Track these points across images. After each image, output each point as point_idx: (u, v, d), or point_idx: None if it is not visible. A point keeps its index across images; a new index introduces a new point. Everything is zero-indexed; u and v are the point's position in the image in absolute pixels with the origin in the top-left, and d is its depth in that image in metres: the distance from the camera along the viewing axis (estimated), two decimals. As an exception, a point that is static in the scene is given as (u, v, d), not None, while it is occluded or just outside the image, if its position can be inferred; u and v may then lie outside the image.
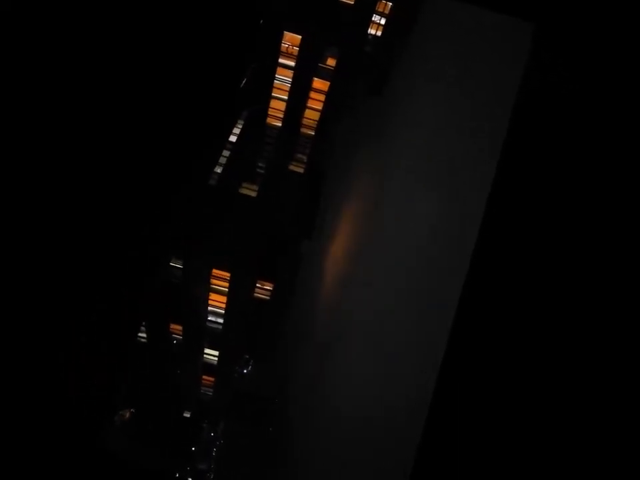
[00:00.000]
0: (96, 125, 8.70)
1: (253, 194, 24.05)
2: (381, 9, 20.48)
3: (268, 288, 24.83)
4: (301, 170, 24.69)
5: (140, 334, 25.62)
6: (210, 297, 24.38)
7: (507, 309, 4.91)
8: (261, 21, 20.90)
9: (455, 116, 8.11)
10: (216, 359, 27.66)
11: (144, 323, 24.57)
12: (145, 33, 10.56)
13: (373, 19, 20.70)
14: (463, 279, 5.18)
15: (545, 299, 4.72)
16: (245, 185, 24.37)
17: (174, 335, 26.23)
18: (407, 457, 5.29)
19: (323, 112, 23.37)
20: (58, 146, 7.85)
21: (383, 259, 10.18)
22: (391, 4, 19.96)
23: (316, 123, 23.96)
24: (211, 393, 30.42)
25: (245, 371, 28.05)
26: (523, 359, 4.76)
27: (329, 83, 22.18)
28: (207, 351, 27.51)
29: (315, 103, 23.11)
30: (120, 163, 9.82)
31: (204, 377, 29.39)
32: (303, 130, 24.46)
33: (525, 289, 4.77)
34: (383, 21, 20.58)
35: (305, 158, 24.87)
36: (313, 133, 24.43)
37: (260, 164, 24.79)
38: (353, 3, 20.34)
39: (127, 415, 27.14)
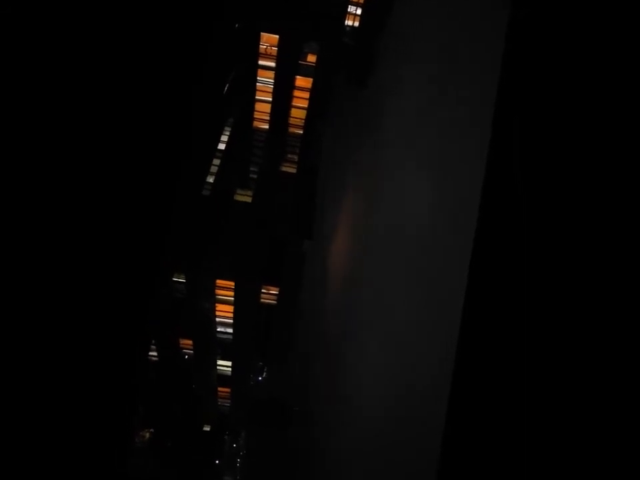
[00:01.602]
0: (81, 140, 8.50)
1: (249, 199, 23.87)
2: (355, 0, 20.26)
3: (274, 292, 24.65)
4: (293, 170, 24.49)
5: (151, 353, 25.43)
6: (217, 308, 24.21)
7: (515, 289, 4.70)
8: (237, 25, 20.69)
9: (442, 96, 7.87)
10: (230, 369, 27.50)
11: (154, 342, 24.37)
12: (124, 45, 10.38)
13: (348, 10, 20.47)
14: (467, 261, 4.99)
15: (556, 277, 4.52)
16: (239, 191, 24.20)
17: (185, 350, 26.06)
18: (433, 450, 5.11)
19: (309, 109, 23.15)
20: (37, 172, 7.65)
21: (385, 251, 9.99)
22: (365, -7, 19.72)
23: (303, 121, 23.73)
24: (228, 404, 30.26)
25: (260, 378, 27.88)
26: (539, 339, 4.54)
27: (311, 80, 21.95)
28: (220, 362, 27.35)
29: (300, 101, 22.88)
30: (107, 179, 9.62)
31: (220, 388, 29.24)
32: (291, 129, 24.24)
33: (534, 267, 4.56)
34: (359, 11, 20.34)
35: (295, 157, 24.66)
36: (302, 132, 24.21)
37: (252, 168, 24.59)
38: (326, -4, 20.13)
39: (147, 435, 26.97)
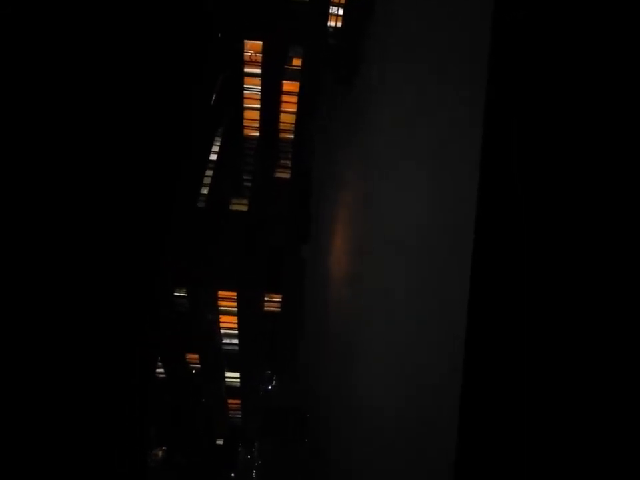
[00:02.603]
0: (80, 145, 8.39)
1: (245, 208, 23.74)
2: (336, 0, 20.17)
3: (277, 299, 24.48)
4: (287, 175, 24.37)
5: (158, 370, 25.23)
6: (221, 320, 24.03)
7: (519, 281, 4.60)
8: (219, 35, 20.63)
9: (430, 87, 7.74)
10: (238, 380, 27.28)
11: (159, 359, 24.17)
12: (113, 62, 10.31)
13: (330, 11, 20.39)
14: (468, 254, 4.90)
15: (561, 270, 4.41)
16: (234, 200, 24.07)
17: (192, 365, 25.85)
18: (449, 450, 4.96)
19: (298, 113, 23.05)
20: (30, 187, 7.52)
21: (384, 249, 9.86)
22: (345, -7, 19.65)
23: (293, 125, 23.64)
24: (240, 416, 30.03)
25: (270, 387, 27.65)
26: (546, 333, 4.42)
27: (298, 84, 21.86)
28: (228, 374, 27.14)
29: (289, 105, 22.79)
30: (103, 186, 9.52)
31: (230, 400, 29.01)
32: (282, 135, 24.15)
33: (537, 258, 4.44)
34: (340, 12, 20.26)
35: (288, 162, 24.55)
36: (292, 136, 24.11)
37: (245, 177, 24.47)
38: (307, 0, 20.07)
39: (160, 454, 26.71)
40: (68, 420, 8.77)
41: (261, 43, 20.71)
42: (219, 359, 25.48)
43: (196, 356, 25.39)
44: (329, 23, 20.56)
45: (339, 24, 20.56)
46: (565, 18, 4.29)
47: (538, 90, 4.45)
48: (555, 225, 4.39)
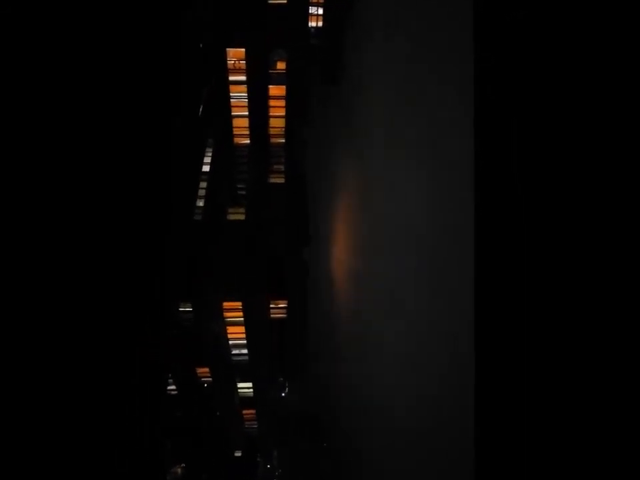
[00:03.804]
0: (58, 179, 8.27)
1: (242, 217, 23.60)
2: (314, 0, 20.08)
3: (282, 305, 24.33)
4: (281, 180, 24.23)
5: (169, 387, 25.08)
6: (228, 331, 23.88)
7: (523, 272, 4.51)
8: (201, 45, 20.52)
9: (417, 81, 7.58)
10: (251, 390, 27.11)
11: (170, 375, 24.00)
12: (96, 80, 10.22)
13: (310, 11, 20.30)
14: (471, 248, 4.83)
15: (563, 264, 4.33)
16: (231, 210, 23.94)
17: (203, 379, 25.68)
18: (468, 450, 4.82)
19: (287, 117, 22.93)
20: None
21: (385, 246, 9.73)
22: (323, -8, 19.54)
23: (283, 129, 23.51)
24: (255, 426, 29.85)
25: (283, 394, 27.48)
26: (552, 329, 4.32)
27: (284, 87, 21.74)
28: (240, 385, 26.98)
29: (277, 110, 22.67)
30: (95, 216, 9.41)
31: (244, 411, 28.83)
32: (273, 140, 24.02)
33: (537, 255, 4.37)
34: (320, 11, 20.16)
35: (282, 167, 24.42)
36: (283, 140, 23.98)
37: (240, 185, 24.34)
38: (286, 2, 19.95)
39: (179, 470, 26.53)
40: (68, 420, 8.67)
41: (243, 50, 20.59)
42: (230, 370, 25.33)
43: (206, 369, 25.22)
44: (310, 24, 20.49)
45: (320, 23, 20.48)
46: (564, 18, 4.20)
47: (538, 90, 4.40)
48: (555, 225, 4.33)
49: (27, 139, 7.55)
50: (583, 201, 4.13)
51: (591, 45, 4.11)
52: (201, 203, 22.52)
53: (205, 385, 25.52)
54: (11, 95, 7.15)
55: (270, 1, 19.43)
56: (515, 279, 4.46)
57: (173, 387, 25.61)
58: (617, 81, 3.96)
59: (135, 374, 11.86)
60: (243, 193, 24.16)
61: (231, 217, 23.66)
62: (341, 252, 16.26)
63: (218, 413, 26.99)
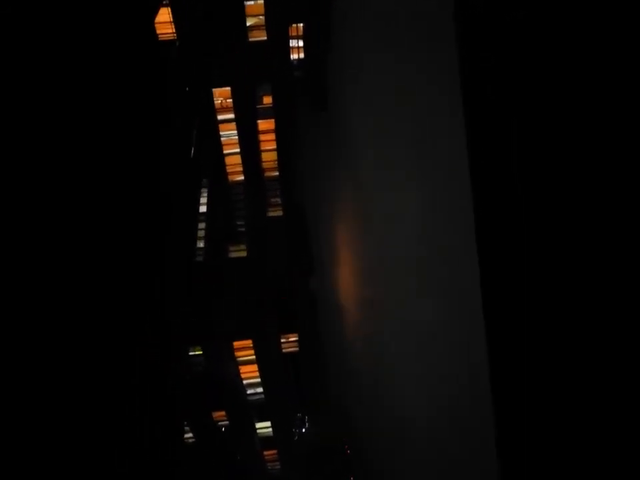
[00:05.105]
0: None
1: (244, 254, 23.48)
2: (294, 33, 20.42)
3: (294, 339, 23.97)
4: (280, 213, 24.21)
5: (186, 435, 24.47)
6: (241, 370, 23.45)
7: (529, 272, 4.44)
8: (187, 88, 20.76)
9: (406, 94, 7.54)
10: (270, 429, 26.45)
11: (186, 423, 23.44)
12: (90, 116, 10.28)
13: (291, 45, 20.64)
14: (474, 255, 4.79)
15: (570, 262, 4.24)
16: (232, 248, 23.85)
17: (220, 423, 25.08)
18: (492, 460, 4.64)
19: (279, 149, 23.04)
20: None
21: (389, 270, 9.66)
22: (301, 24, 19.89)
23: (276, 162, 23.60)
24: (278, 466, 29.01)
25: (304, 430, 26.80)
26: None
27: (273, 120, 21.92)
28: (258, 425, 26.34)
29: (268, 144, 22.81)
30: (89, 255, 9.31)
31: (265, 451, 28.07)
32: (267, 174, 24.10)
33: (539, 254, 4.31)
34: (301, 43, 20.49)
35: (278, 200, 24.43)
36: (277, 173, 24.05)
37: (239, 222, 24.29)
38: (266, 38, 20.28)
39: (204, 521, 25.63)
40: (68, 420, 8.39)
41: (229, 88, 20.83)
42: (247, 410, 24.76)
43: (222, 412, 24.65)
44: (291, 56, 20.81)
45: (302, 55, 20.80)
46: (565, 18, 4.18)
47: (538, 90, 4.36)
48: (555, 226, 4.24)
49: (27, 139, 7.51)
50: (583, 200, 4.08)
51: (591, 44, 4.08)
52: (201, 244, 22.40)
53: (223, 429, 24.91)
54: (11, 95, 7.11)
55: (251, 39, 19.75)
56: (522, 296, 4.39)
57: (190, 435, 24.99)
58: (617, 81, 3.93)
59: (135, 374, 11.63)
60: (242, 229, 24.11)
61: (233, 255, 23.54)
62: (346, 277, 16.08)
63: (238, 457, 26.26)
